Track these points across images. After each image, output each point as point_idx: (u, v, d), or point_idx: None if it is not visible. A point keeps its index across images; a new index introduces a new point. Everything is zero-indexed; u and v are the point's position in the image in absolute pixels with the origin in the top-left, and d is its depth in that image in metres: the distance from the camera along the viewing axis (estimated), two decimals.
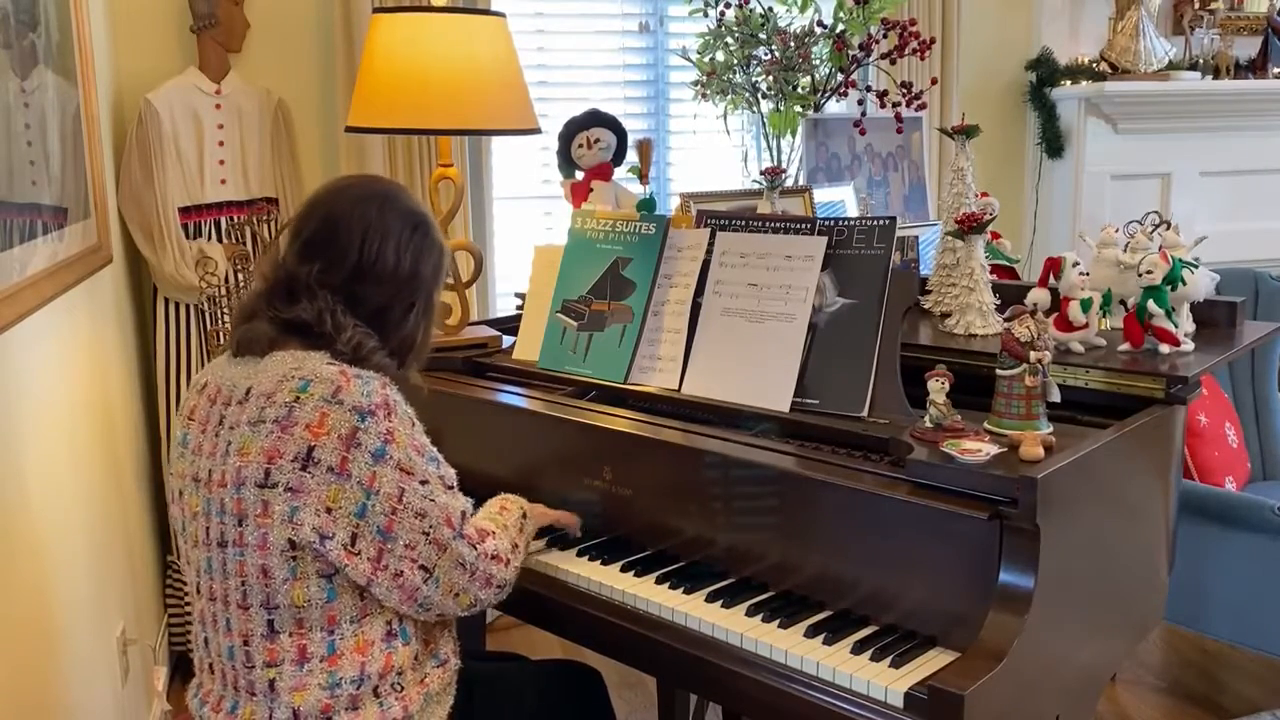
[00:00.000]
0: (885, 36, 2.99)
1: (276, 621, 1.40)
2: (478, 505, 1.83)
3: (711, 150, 3.62)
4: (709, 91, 3.10)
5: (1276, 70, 4.11)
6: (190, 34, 2.97)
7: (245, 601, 1.41)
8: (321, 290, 1.46)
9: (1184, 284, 1.90)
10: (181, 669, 3.00)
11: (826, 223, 1.82)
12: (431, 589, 1.44)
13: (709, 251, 1.91)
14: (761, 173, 2.55)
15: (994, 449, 1.44)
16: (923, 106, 3.03)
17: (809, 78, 3.04)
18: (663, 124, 3.70)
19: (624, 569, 1.69)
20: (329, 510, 1.36)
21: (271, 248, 1.59)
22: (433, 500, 1.42)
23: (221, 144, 2.96)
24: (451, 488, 1.47)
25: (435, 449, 1.48)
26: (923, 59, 3.12)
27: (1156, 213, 2.18)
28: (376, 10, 2.45)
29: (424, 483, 1.41)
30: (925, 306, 2.25)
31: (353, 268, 1.48)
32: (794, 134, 3.06)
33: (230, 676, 1.45)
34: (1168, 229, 2.04)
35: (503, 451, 1.96)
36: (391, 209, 1.52)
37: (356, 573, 1.39)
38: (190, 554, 1.48)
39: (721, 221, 1.94)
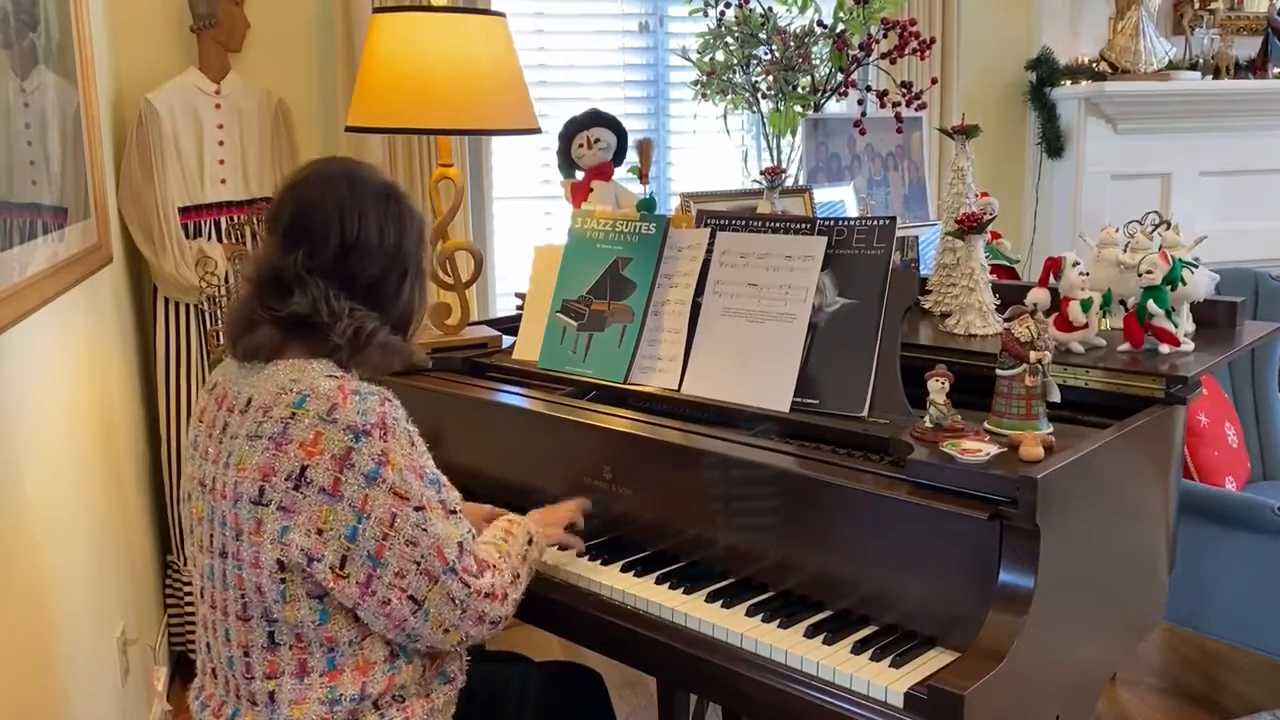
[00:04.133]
0: (885, 36, 2.99)
1: (277, 634, 1.39)
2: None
3: (711, 150, 3.62)
4: (709, 91, 3.10)
5: (1276, 70, 4.11)
6: (190, 34, 2.97)
7: (245, 613, 1.39)
8: (311, 277, 1.43)
9: (1184, 284, 1.90)
10: (182, 669, 3.00)
11: (826, 223, 1.81)
12: (419, 622, 1.40)
13: (709, 251, 1.91)
14: (761, 173, 2.55)
15: (994, 449, 1.44)
16: (923, 106, 3.02)
17: (809, 78, 3.04)
18: (663, 124, 3.70)
19: (624, 569, 1.69)
20: (320, 532, 1.33)
21: (252, 253, 1.55)
22: (425, 529, 1.37)
23: (221, 144, 2.96)
24: (455, 512, 1.43)
25: (437, 470, 1.43)
26: (923, 59, 3.12)
27: (1156, 213, 2.18)
28: (376, 10, 2.45)
29: (419, 508, 1.37)
30: (925, 306, 2.25)
31: (338, 247, 1.45)
32: (794, 134, 3.06)
33: (232, 684, 1.45)
34: (1168, 229, 2.03)
35: (503, 451, 1.96)
36: (361, 184, 1.49)
37: (344, 596, 1.36)
38: (197, 557, 1.47)
39: (721, 221, 1.93)
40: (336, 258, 1.45)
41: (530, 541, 1.60)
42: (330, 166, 1.53)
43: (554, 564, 1.72)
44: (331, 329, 1.42)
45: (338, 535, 1.34)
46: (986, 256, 2.12)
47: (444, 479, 1.44)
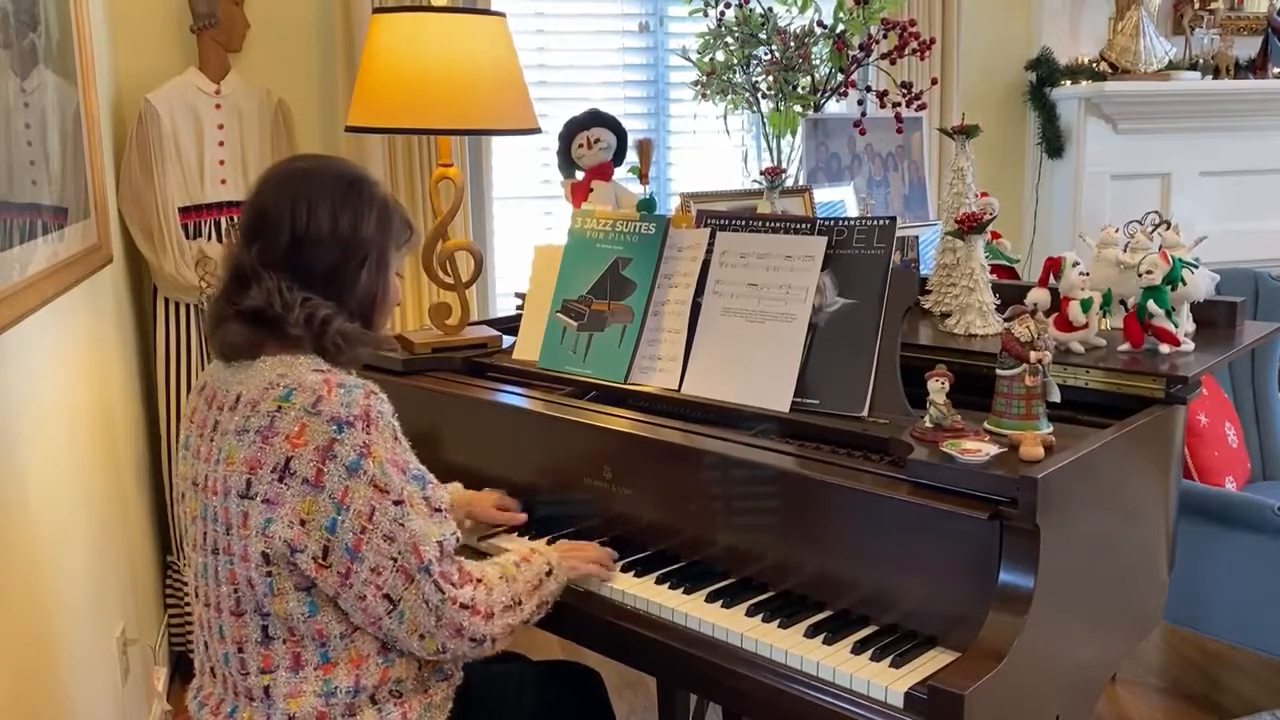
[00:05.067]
0: (885, 36, 2.99)
1: (270, 628, 1.40)
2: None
3: (711, 150, 3.62)
4: (709, 91, 3.10)
5: (1276, 70, 4.11)
6: (190, 34, 2.97)
7: (239, 609, 1.40)
8: (265, 270, 1.43)
9: (1184, 284, 1.90)
10: (181, 669, 3.00)
11: (826, 223, 1.81)
12: (394, 624, 1.39)
13: (709, 251, 1.91)
14: (761, 173, 2.55)
15: (994, 449, 1.44)
16: (923, 106, 3.03)
17: (809, 78, 3.04)
18: (663, 124, 3.70)
19: (624, 569, 1.68)
20: (303, 522, 1.34)
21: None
22: (403, 524, 1.37)
23: (221, 144, 2.96)
24: (439, 510, 1.43)
25: (422, 467, 1.43)
26: (923, 59, 3.12)
27: (1156, 213, 2.18)
28: (376, 10, 2.45)
29: (398, 503, 1.37)
30: (925, 306, 2.25)
31: (289, 239, 1.44)
32: (794, 134, 3.06)
33: (229, 681, 1.45)
34: (1168, 229, 2.03)
35: (503, 451, 1.96)
36: (318, 176, 1.49)
37: (327, 586, 1.37)
38: (191, 556, 1.48)
39: (721, 221, 1.93)
40: (288, 249, 1.45)
41: (549, 573, 1.57)
42: (291, 163, 1.54)
43: None
44: (285, 320, 1.42)
45: (319, 526, 1.34)
46: (986, 256, 2.12)
47: (430, 476, 1.44)
